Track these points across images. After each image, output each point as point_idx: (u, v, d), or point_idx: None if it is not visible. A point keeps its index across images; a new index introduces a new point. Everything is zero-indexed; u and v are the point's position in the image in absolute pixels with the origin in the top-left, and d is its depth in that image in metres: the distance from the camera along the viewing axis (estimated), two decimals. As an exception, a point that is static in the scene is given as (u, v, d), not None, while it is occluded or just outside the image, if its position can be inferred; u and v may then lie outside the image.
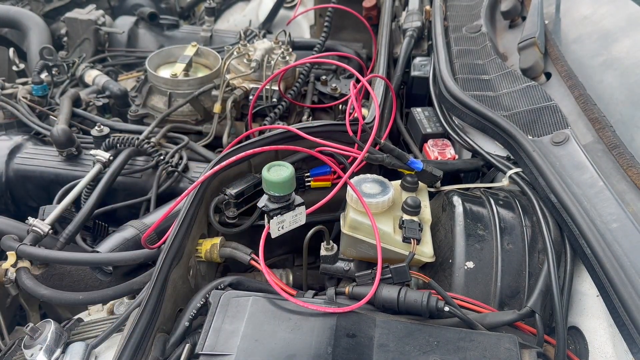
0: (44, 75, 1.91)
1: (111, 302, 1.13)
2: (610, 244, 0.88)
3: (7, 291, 1.19)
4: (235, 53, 1.79)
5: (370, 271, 0.94)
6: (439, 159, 1.30)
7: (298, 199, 1.00)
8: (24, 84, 1.86)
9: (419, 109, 1.49)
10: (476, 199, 1.08)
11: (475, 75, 1.43)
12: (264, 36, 2.06)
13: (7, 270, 1.16)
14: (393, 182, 1.10)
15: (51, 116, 1.73)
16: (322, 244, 1.06)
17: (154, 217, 1.30)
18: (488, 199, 1.07)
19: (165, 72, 1.80)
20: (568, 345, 0.90)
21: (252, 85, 1.77)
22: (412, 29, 1.77)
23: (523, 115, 1.22)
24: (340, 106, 1.82)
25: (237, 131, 1.76)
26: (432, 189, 1.18)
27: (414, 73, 1.65)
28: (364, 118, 1.24)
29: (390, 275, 0.92)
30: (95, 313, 1.16)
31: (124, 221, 1.28)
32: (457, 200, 1.06)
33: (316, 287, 1.13)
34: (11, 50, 2.04)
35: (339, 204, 1.19)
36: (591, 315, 0.92)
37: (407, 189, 1.10)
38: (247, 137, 1.39)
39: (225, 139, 1.68)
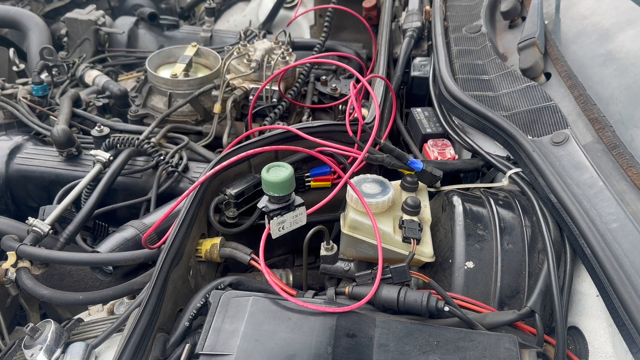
0: (44, 76, 1.91)
1: (111, 302, 1.13)
2: (610, 244, 0.88)
3: (7, 291, 1.19)
4: (235, 53, 1.80)
5: (370, 271, 0.94)
6: (439, 159, 1.30)
7: (298, 200, 1.00)
8: (24, 84, 1.86)
9: (419, 109, 1.50)
10: (476, 199, 1.09)
11: (475, 76, 1.43)
12: (264, 36, 2.06)
13: (7, 270, 1.16)
14: (393, 182, 1.10)
15: (51, 116, 1.73)
16: (322, 244, 1.06)
17: (154, 217, 1.30)
18: (488, 199, 1.07)
19: (165, 73, 1.80)
20: (568, 345, 0.90)
21: (252, 86, 1.77)
22: (412, 29, 1.77)
23: (523, 115, 1.22)
24: (340, 106, 1.82)
25: (237, 131, 1.76)
26: (432, 189, 1.18)
27: (413, 73, 1.65)
28: (364, 118, 1.24)
29: (390, 275, 0.92)
30: (95, 313, 1.16)
31: (124, 221, 1.28)
32: (457, 200, 1.06)
33: (316, 287, 1.13)
34: (11, 50, 2.04)
35: (339, 204, 1.19)
36: (591, 315, 0.92)
37: (407, 189, 1.10)
38: (247, 137, 1.39)
39: (225, 139, 1.68)
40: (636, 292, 0.80)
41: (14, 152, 1.53)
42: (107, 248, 1.17)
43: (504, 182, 1.16)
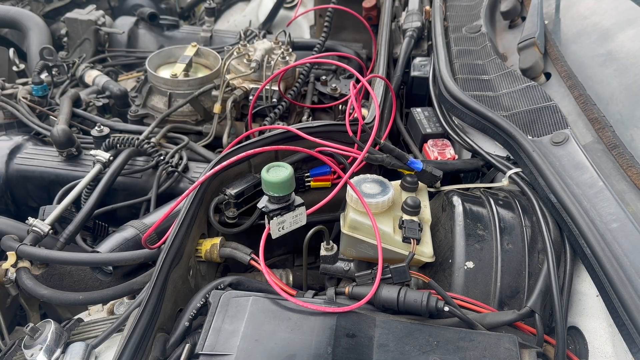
0: (44, 76, 1.91)
1: (111, 302, 1.13)
2: (610, 244, 0.88)
3: (7, 291, 1.19)
4: (235, 53, 1.80)
5: (370, 271, 0.94)
6: (438, 159, 1.30)
7: (298, 200, 1.00)
8: (24, 84, 1.86)
9: (418, 109, 1.50)
10: (476, 199, 1.09)
11: (475, 76, 1.43)
12: (263, 36, 2.06)
13: (7, 270, 1.16)
14: (393, 182, 1.10)
15: (51, 116, 1.73)
16: (322, 244, 1.06)
17: (154, 217, 1.30)
18: (488, 199, 1.07)
19: (165, 73, 1.80)
20: (568, 345, 0.90)
21: (252, 86, 1.77)
22: (412, 29, 1.78)
23: (523, 115, 1.22)
24: (340, 106, 1.82)
25: (237, 131, 1.76)
26: (432, 189, 1.18)
27: (413, 73, 1.65)
28: (363, 118, 1.24)
29: (390, 275, 0.92)
30: (95, 313, 1.16)
31: (124, 221, 1.28)
32: (457, 200, 1.06)
33: (316, 287, 1.13)
34: (11, 50, 2.04)
35: (339, 204, 1.19)
36: (591, 315, 0.92)
37: (407, 189, 1.10)
38: (247, 137, 1.39)
39: (225, 139, 1.68)
40: (636, 292, 0.80)
41: (14, 152, 1.53)
42: (107, 248, 1.17)
43: (504, 182, 1.16)
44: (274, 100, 1.72)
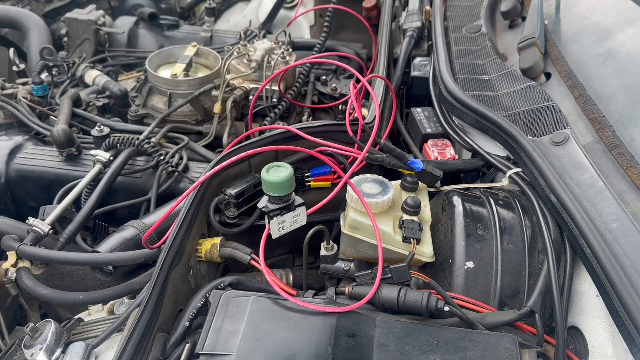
0: (44, 76, 1.91)
1: (111, 302, 1.13)
2: (610, 244, 0.88)
3: (7, 291, 1.19)
4: (235, 53, 1.80)
5: (370, 271, 0.95)
6: (438, 159, 1.30)
7: (298, 200, 1.00)
8: (24, 84, 1.86)
9: (419, 109, 1.50)
10: (476, 199, 1.09)
11: (475, 76, 1.43)
12: (264, 36, 2.06)
13: (7, 270, 1.16)
14: (393, 182, 1.10)
15: (51, 116, 1.73)
16: (322, 244, 1.06)
17: (154, 217, 1.30)
18: (488, 199, 1.07)
19: (165, 73, 1.80)
20: (568, 345, 0.90)
21: (252, 86, 1.77)
22: (412, 29, 1.78)
23: (523, 115, 1.22)
24: (340, 106, 1.82)
25: (237, 131, 1.76)
26: (432, 189, 1.18)
27: (414, 73, 1.65)
28: (364, 118, 1.24)
29: (390, 275, 0.92)
30: (95, 313, 1.16)
31: (124, 221, 1.28)
32: (457, 200, 1.06)
33: (316, 287, 1.13)
34: (11, 50, 2.04)
35: (339, 204, 1.19)
36: (591, 315, 0.92)
37: (407, 189, 1.10)
38: (247, 137, 1.39)
39: (225, 139, 1.68)
40: (636, 292, 0.80)
41: (14, 152, 1.53)
42: (107, 248, 1.17)
43: (504, 182, 1.16)
44: (274, 100, 1.72)
